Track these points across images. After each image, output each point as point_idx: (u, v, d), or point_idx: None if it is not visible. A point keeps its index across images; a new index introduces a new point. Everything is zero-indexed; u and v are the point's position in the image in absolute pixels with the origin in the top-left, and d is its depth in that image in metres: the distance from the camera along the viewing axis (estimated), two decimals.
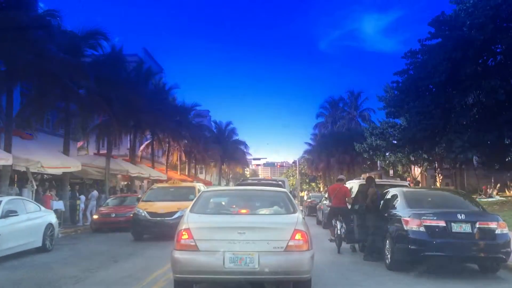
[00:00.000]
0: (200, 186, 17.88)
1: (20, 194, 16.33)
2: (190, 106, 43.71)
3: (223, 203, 7.67)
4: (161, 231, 14.47)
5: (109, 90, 21.98)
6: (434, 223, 8.49)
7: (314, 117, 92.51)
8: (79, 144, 37.20)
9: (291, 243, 5.92)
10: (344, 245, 11.98)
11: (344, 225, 11.86)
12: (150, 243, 14.32)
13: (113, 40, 21.75)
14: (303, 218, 6.82)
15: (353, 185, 13.78)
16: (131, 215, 16.63)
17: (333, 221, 12.36)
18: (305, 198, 37.65)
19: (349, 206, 12.06)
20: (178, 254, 6.02)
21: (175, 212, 14.61)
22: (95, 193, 23.56)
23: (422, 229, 8.49)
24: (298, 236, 5.98)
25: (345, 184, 13.28)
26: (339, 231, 11.96)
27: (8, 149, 15.27)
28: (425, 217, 8.58)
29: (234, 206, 7.35)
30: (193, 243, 5.96)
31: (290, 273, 5.96)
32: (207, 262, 5.89)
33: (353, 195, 12.46)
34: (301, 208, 26.34)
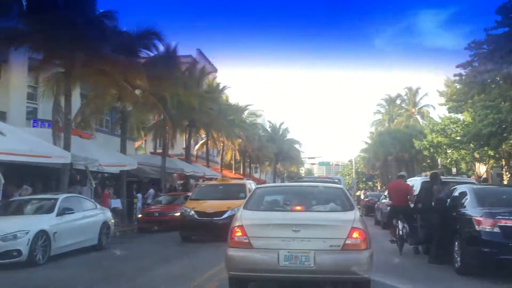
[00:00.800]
0: (250, 183, 16.92)
1: (80, 192, 16.69)
2: (244, 105, 43.79)
3: (277, 199, 7.43)
4: (209, 232, 13.56)
5: (164, 89, 22.18)
6: (510, 223, 7.67)
7: (370, 115, 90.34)
8: (137, 144, 38.17)
9: (348, 241, 5.70)
10: (407, 246, 11.21)
11: (406, 225, 11.08)
12: (202, 243, 13.72)
13: (167, 40, 21.80)
14: (361, 215, 6.62)
15: (415, 182, 12.96)
16: (176, 214, 16.32)
17: (394, 221, 11.62)
18: (362, 197, 36.53)
19: (411, 205, 11.29)
20: (231, 252, 5.95)
21: (224, 212, 13.69)
22: (151, 191, 23.87)
23: (496, 229, 7.68)
24: (355, 235, 5.75)
25: (407, 181, 12.50)
26: (400, 232, 11.17)
27: (67, 148, 15.62)
28: (499, 217, 7.76)
29: (288, 202, 7.10)
30: (247, 240, 5.86)
31: (347, 273, 5.71)
32: (261, 260, 5.77)
33: (415, 193, 11.66)
34: (358, 207, 25.36)
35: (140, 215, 19.30)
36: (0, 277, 8.60)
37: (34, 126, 20.65)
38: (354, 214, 6.24)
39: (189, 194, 18.40)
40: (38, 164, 15.15)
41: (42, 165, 15.65)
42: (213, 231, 13.24)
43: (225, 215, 13.45)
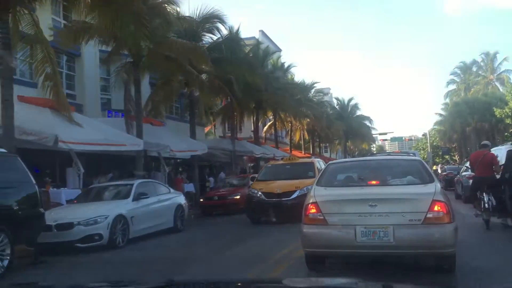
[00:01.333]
0: (319, 162, 16.09)
1: (154, 178, 17.20)
2: (310, 83, 43.04)
3: (351, 175, 7.20)
4: (279, 213, 13.02)
5: (229, 72, 22.23)
6: None
7: (443, 85, 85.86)
8: (207, 129, 38.84)
9: (429, 215, 5.39)
10: (494, 220, 10.40)
11: (492, 197, 10.28)
12: (272, 225, 13.18)
13: (229, 23, 21.82)
14: (442, 188, 6.30)
15: (500, 151, 12.01)
16: (236, 197, 16.07)
17: (478, 194, 10.83)
18: (439, 171, 34.85)
19: (497, 175, 10.45)
20: (306, 229, 5.88)
21: (293, 192, 13.15)
22: (222, 175, 24.20)
23: None
24: (437, 208, 5.43)
25: (491, 150, 11.60)
26: (486, 205, 10.35)
27: (139, 135, 16.09)
28: None
29: (362, 177, 6.85)
30: (322, 217, 5.75)
31: (430, 248, 5.42)
32: (337, 236, 5.65)
33: (501, 163, 10.77)
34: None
35: (201, 200, 19.09)
36: (85, 260, 8.99)
37: (108, 117, 21.51)
38: (435, 187, 5.89)
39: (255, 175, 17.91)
40: (114, 152, 15.77)
41: (117, 153, 16.29)
42: (282, 212, 12.85)
43: (294, 195, 13.04)
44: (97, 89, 21.91)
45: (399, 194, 5.90)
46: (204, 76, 21.44)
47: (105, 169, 16.94)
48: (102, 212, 10.05)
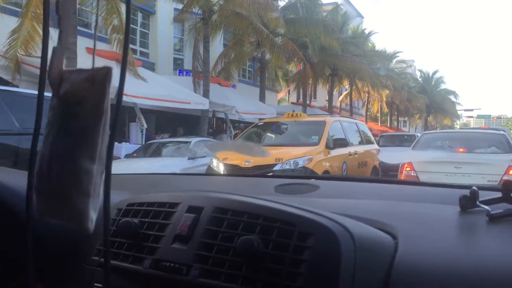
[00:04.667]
0: (336, 122, 9.71)
1: (221, 139, 16.85)
2: (392, 52, 40.63)
3: (443, 143, 8.51)
4: None
5: (304, 35, 21.15)
6: None
7: None
8: (280, 95, 38.09)
9: (505, 177, 6.25)
10: None
11: None
12: None
13: None
14: None
15: None
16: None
17: None
18: None
19: None
20: None
21: (271, 167, 7.72)
22: None
23: None
24: None
25: None
26: None
27: (206, 95, 15.72)
28: None
29: (451, 145, 8.14)
30: (414, 174, 6.94)
31: None
32: None
33: None
34: None
35: None
36: None
37: (179, 76, 21.42)
38: None
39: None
40: (179, 110, 15.52)
41: (183, 111, 16.04)
42: None
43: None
44: (171, 48, 21.82)
45: (480, 159, 7.04)
46: (278, 39, 20.62)
47: (170, 127, 16.83)
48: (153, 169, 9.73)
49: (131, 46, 20.07)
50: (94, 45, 0.82)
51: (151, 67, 20.02)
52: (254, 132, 10.23)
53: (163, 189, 1.51)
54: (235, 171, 7.89)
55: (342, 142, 8.75)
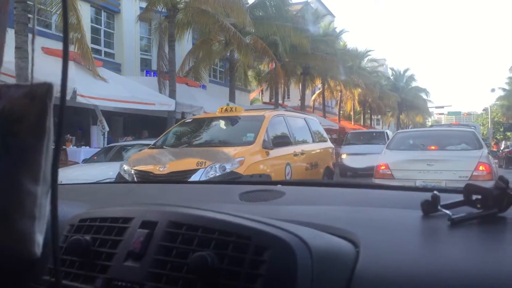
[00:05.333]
0: (279, 116, 8.07)
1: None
2: (364, 51, 40.71)
3: (415, 141, 8.74)
4: None
5: (273, 33, 20.82)
6: None
7: (508, 58, 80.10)
8: (252, 95, 37.74)
9: (475, 173, 6.74)
10: None
11: None
12: None
13: None
14: (488, 153, 7.62)
15: None
16: None
17: None
18: (502, 147, 32.12)
19: None
20: (376, 181, 7.18)
21: (191, 173, 6.14)
22: None
23: None
24: (481, 168, 6.84)
25: None
26: None
27: (172, 95, 15.19)
28: None
29: (424, 144, 8.43)
30: (389, 172, 7.35)
31: None
32: None
33: None
34: (496, 161, 22.11)
35: None
36: None
37: (146, 76, 20.81)
38: (482, 152, 7.43)
39: None
40: (144, 112, 14.95)
41: (150, 113, 15.47)
42: None
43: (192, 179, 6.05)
44: (137, 48, 21.23)
45: (452, 156, 7.43)
46: (247, 38, 20.23)
47: (138, 130, 16.23)
48: (111, 175, 9.18)
49: (95, 46, 19.45)
50: (33, 49, 0.67)
51: (117, 68, 19.42)
52: (179, 131, 8.57)
53: (120, 201, 1.51)
54: (147, 178, 6.33)
55: (284, 141, 7.44)
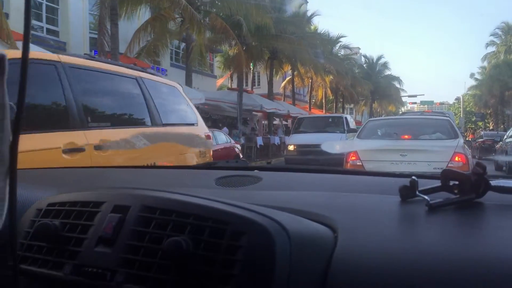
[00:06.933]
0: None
1: None
2: (336, 36, 39.27)
3: (387, 130, 8.28)
4: None
5: (235, 12, 19.19)
6: None
7: (479, 49, 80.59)
8: (220, 81, 36.02)
9: (450, 164, 6.31)
10: None
11: None
12: None
13: None
14: (464, 143, 7.34)
15: None
16: None
17: None
18: (476, 137, 31.28)
19: None
20: None
21: None
22: (225, 129, 21.58)
23: None
24: (457, 158, 6.48)
25: None
26: None
27: None
28: None
29: (397, 132, 7.91)
30: (360, 163, 6.83)
31: None
32: None
33: None
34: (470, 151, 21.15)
35: None
36: None
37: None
38: (458, 142, 6.98)
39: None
40: None
41: None
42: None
43: None
44: (86, 27, 19.43)
45: (426, 146, 7.02)
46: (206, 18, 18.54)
47: None
48: None
49: (36, 22, 17.54)
50: None
51: (61, 46, 17.62)
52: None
53: (91, 184, 1.51)
54: None
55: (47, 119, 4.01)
